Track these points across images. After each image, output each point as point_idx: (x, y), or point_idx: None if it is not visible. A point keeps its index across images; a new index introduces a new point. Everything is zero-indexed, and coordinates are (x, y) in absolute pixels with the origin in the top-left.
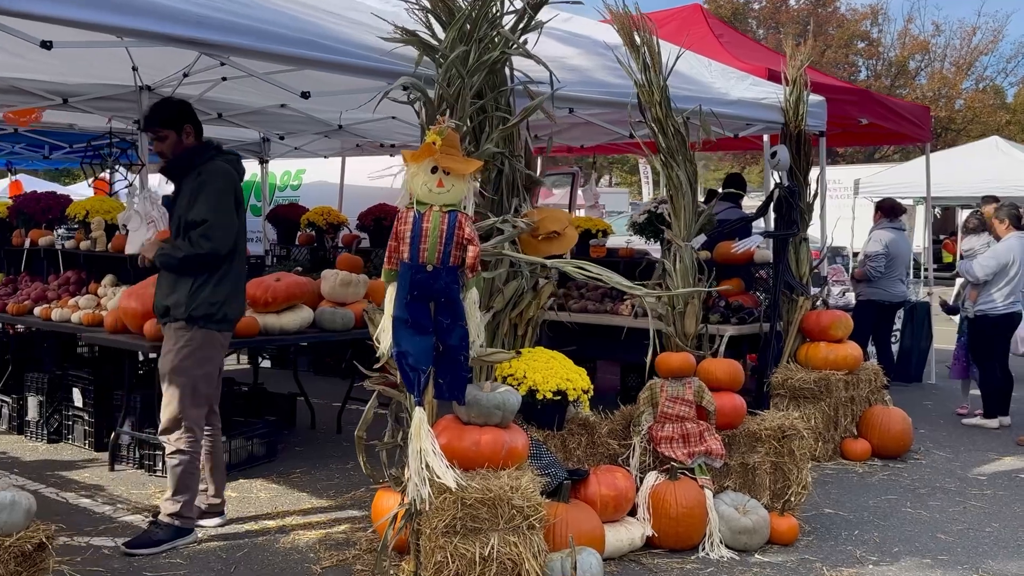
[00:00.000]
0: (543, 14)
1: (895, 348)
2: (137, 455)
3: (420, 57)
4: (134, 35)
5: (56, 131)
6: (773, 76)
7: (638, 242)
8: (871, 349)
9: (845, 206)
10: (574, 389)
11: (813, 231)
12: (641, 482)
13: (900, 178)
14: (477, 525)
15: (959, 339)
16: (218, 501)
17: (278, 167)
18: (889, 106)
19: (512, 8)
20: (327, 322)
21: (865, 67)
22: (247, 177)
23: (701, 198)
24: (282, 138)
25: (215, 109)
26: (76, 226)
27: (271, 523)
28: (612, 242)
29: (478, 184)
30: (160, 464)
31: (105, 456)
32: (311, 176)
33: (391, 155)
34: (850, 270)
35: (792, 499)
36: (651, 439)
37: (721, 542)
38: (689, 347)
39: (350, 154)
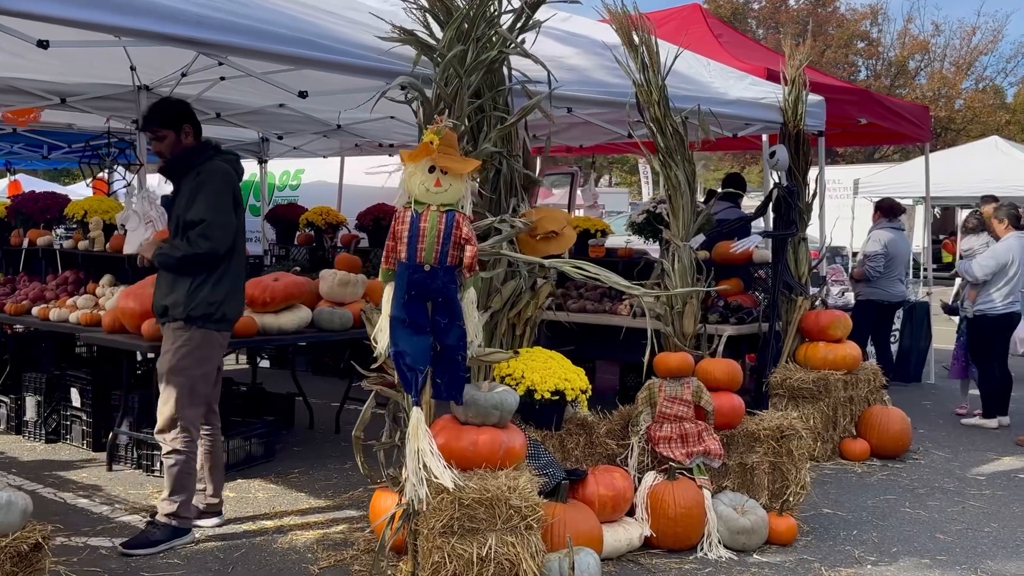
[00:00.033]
0: (541, 13)
1: (894, 348)
2: (135, 455)
3: (418, 57)
4: (132, 35)
5: (55, 131)
6: (772, 76)
7: (637, 242)
8: (870, 349)
9: (844, 206)
10: (572, 389)
11: (812, 231)
12: (639, 482)
13: (899, 178)
14: (475, 525)
15: (958, 339)
16: (216, 501)
17: (277, 167)
18: (888, 106)
19: (510, 7)
20: (325, 322)
21: (865, 67)
22: (246, 177)
23: (700, 198)
24: (280, 138)
25: (213, 109)
26: (74, 226)
27: (269, 523)
28: (611, 242)
29: (477, 184)
30: (158, 464)
31: (103, 456)
32: (310, 176)
33: (390, 155)
34: (849, 270)
35: (790, 499)
36: (649, 439)
37: (719, 542)
38: (687, 347)
39: (349, 154)
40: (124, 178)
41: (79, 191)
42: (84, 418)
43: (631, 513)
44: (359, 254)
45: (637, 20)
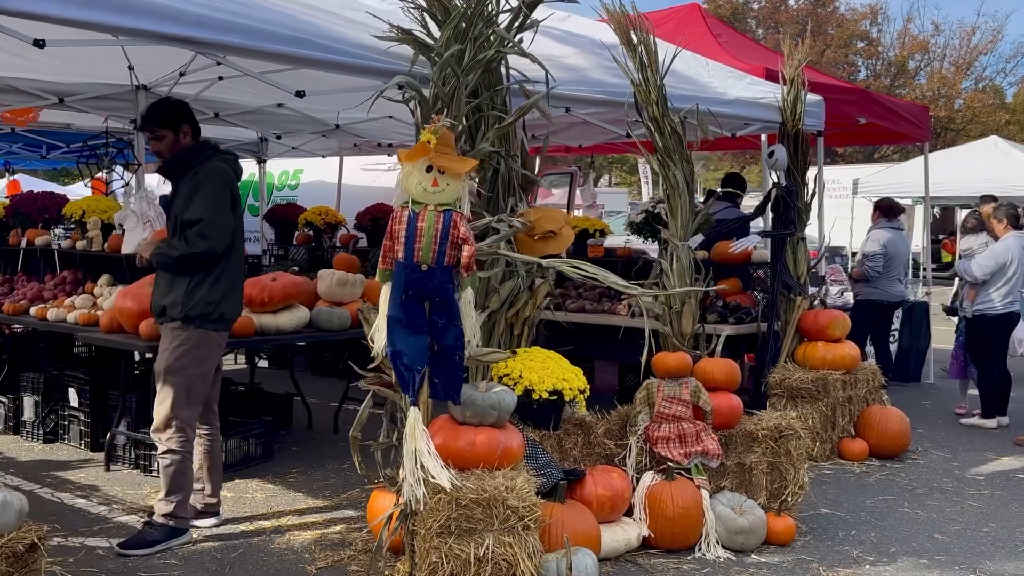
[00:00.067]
0: (539, 13)
1: (893, 348)
2: (133, 455)
3: (416, 56)
4: (130, 34)
5: (53, 131)
6: (771, 75)
7: (636, 242)
8: (869, 349)
9: (844, 206)
10: (570, 389)
11: (811, 231)
12: (637, 482)
13: (899, 178)
14: (472, 526)
15: (957, 339)
16: (214, 501)
17: (276, 167)
18: (887, 105)
19: (507, 7)
20: (323, 322)
21: (864, 67)
22: (245, 177)
23: (700, 198)
24: (279, 137)
25: (212, 108)
26: (73, 226)
27: (266, 523)
28: (611, 242)
29: (475, 183)
30: (156, 464)
31: (101, 456)
32: (309, 176)
33: (388, 154)
34: (848, 270)
35: (789, 499)
36: (648, 439)
37: (717, 542)
38: (686, 347)
39: (348, 153)
40: (122, 178)
41: (79, 191)
42: (82, 418)
43: (629, 513)
44: (358, 254)
45: (635, 20)
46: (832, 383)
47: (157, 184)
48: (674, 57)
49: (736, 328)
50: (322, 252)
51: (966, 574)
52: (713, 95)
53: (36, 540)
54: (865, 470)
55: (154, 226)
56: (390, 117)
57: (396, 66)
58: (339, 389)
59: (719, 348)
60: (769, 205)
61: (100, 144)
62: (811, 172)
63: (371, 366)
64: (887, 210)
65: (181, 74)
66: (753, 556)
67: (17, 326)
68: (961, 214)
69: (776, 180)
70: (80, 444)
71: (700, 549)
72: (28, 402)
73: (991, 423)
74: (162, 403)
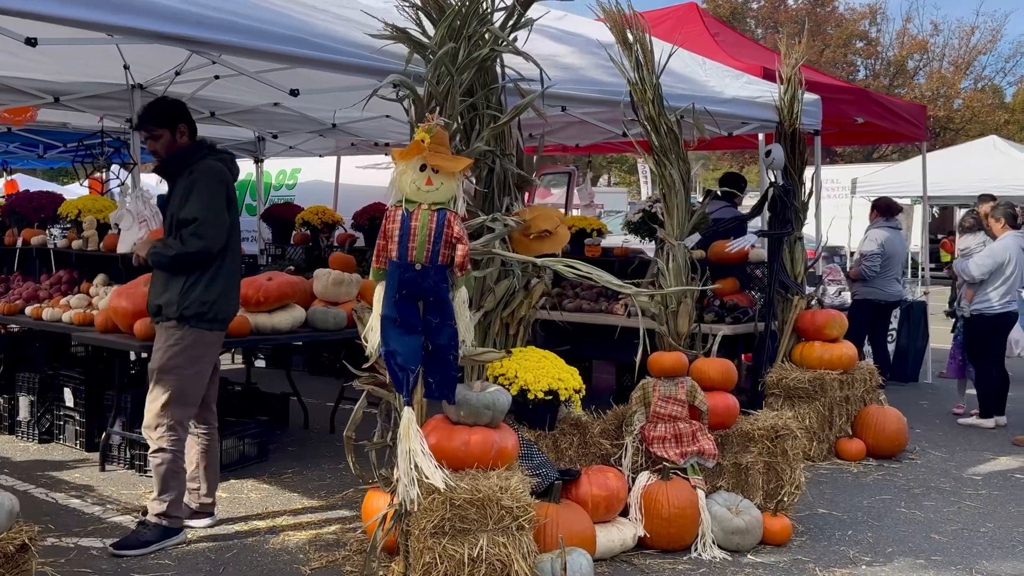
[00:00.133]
0: (534, 11)
1: (891, 347)
2: (128, 455)
3: (410, 55)
4: (124, 32)
5: (50, 130)
6: (768, 75)
7: (634, 241)
8: (867, 349)
9: (843, 205)
10: (566, 389)
11: (808, 230)
12: (633, 482)
13: (897, 177)
14: (466, 526)
15: (955, 338)
16: (210, 501)
17: (273, 166)
18: (885, 105)
19: (502, 5)
20: (319, 321)
21: (864, 66)
22: (242, 176)
23: (700, 197)
24: (276, 137)
25: (208, 108)
26: (69, 225)
27: (261, 524)
28: (609, 241)
29: (473, 182)
30: (151, 464)
31: (96, 456)
32: (306, 175)
33: (386, 154)
34: (847, 269)
35: (785, 499)
36: (643, 439)
37: (713, 542)
38: (682, 346)
39: (345, 153)
40: (117, 176)
41: (77, 191)
42: (77, 418)
43: (625, 513)
44: (355, 253)
45: (631, 18)
46: (829, 383)
47: (156, 183)
48: (670, 56)
49: (733, 328)
50: (319, 252)
51: (963, 574)
52: (710, 94)
53: (27, 540)
54: (862, 470)
55: (150, 225)
56: (387, 116)
57: (391, 65)
58: (336, 389)
59: (715, 348)
60: (766, 204)
61: (96, 143)
62: (808, 171)
63: (365, 366)
64: (885, 209)
65: (177, 73)
66: (749, 556)
67: (13, 326)
68: (960, 214)
69: (773, 179)
70: (75, 444)
71: (696, 549)
72: (23, 402)
73: (989, 423)
74: (154, 401)
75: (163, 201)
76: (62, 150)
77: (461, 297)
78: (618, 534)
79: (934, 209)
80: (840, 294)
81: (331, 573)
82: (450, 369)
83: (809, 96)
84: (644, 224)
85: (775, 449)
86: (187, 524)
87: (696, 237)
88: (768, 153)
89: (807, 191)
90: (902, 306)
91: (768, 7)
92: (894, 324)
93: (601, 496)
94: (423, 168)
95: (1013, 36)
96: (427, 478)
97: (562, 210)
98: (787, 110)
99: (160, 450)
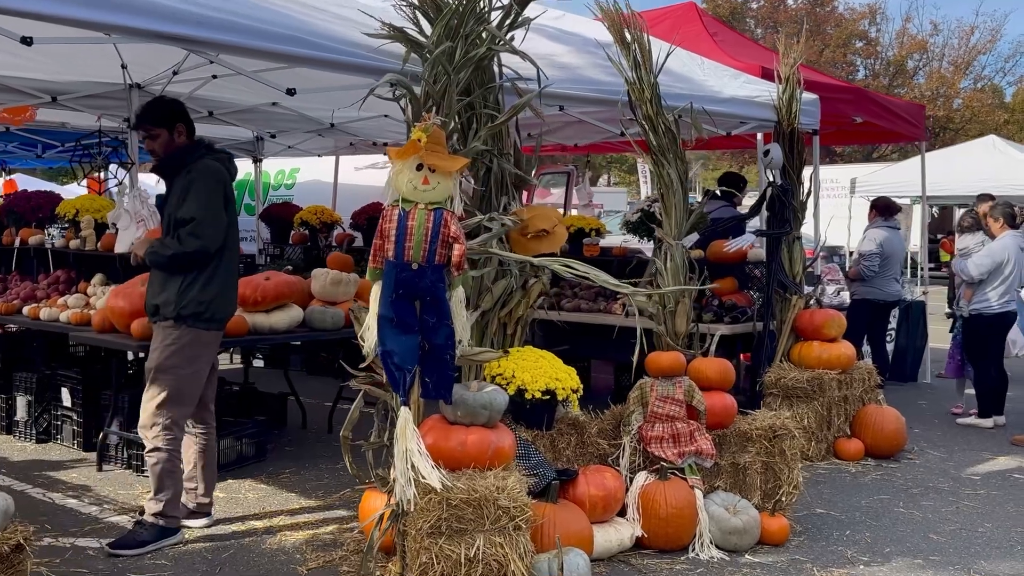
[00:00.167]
0: (532, 11)
1: (890, 347)
2: (125, 455)
3: (407, 54)
4: (120, 32)
5: (48, 130)
6: (767, 74)
7: (633, 241)
8: (866, 348)
9: (842, 205)
10: (563, 388)
11: (807, 229)
12: (631, 482)
13: (897, 177)
14: (463, 526)
15: (953, 338)
16: (207, 501)
17: (272, 166)
18: (884, 104)
19: (500, 4)
20: (317, 321)
21: (863, 66)
22: (241, 176)
23: (698, 197)
24: (274, 136)
25: (206, 107)
26: (66, 225)
27: (258, 524)
28: (608, 241)
29: (472, 183)
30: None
31: (93, 456)
32: (305, 175)
33: (384, 153)
34: (846, 269)
35: (783, 499)
36: (641, 439)
37: (711, 542)
38: (680, 346)
39: (343, 152)
40: (115, 176)
41: (77, 191)
42: (75, 418)
43: (622, 513)
44: (353, 253)
45: (629, 18)
46: (828, 382)
47: (155, 183)
48: (668, 55)
49: (732, 327)
50: (318, 251)
51: (960, 574)
52: (708, 93)
53: (22, 541)
54: (861, 470)
55: (147, 225)
56: (385, 116)
57: (388, 64)
58: (334, 388)
59: (713, 347)
60: (764, 204)
61: (94, 143)
62: (806, 171)
63: (362, 365)
64: (884, 209)
65: (175, 72)
66: (747, 556)
67: (10, 325)
68: (959, 213)
69: (771, 179)
70: (73, 444)
71: (694, 549)
72: (21, 402)
73: (987, 423)
74: (151, 400)
75: (161, 201)
76: (60, 150)
77: (458, 297)
78: (615, 534)
79: (933, 209)
80: (839, 294)
81: (328, 573)
82: (447, 369)
83: (807, 96)
84: (642, 224)
85: (773, 449)
86: (184, 524)
87: (694, 237)
88: (766, 153)
89: (805, 191)
90: (901, 306)
91: (768, 7)
92: (893, 324)
93: (598, 496)
94: (420, 167)
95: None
96: (424, 478)
97: (561, 210)
98: (785, 109)
99: (156, 449)
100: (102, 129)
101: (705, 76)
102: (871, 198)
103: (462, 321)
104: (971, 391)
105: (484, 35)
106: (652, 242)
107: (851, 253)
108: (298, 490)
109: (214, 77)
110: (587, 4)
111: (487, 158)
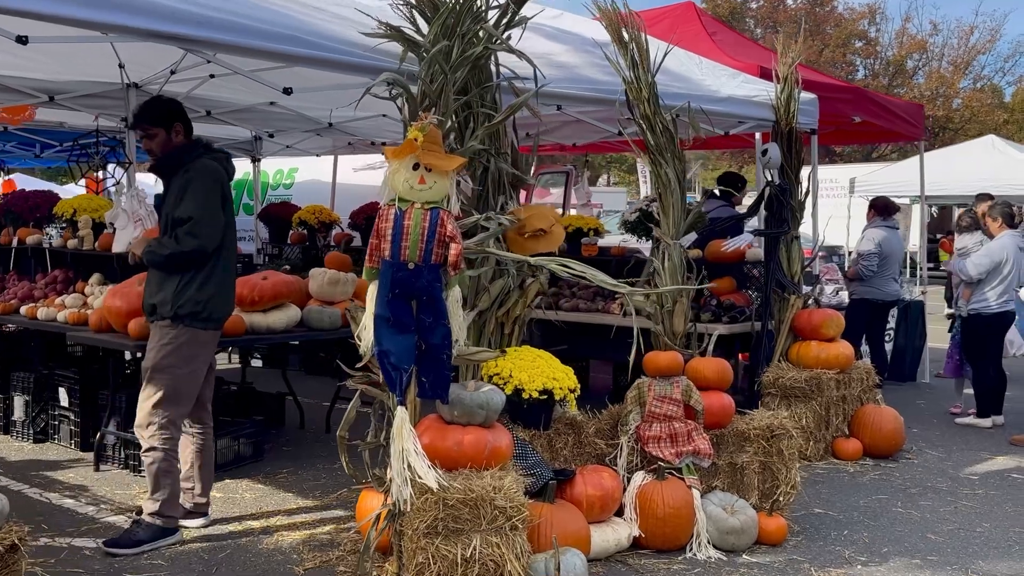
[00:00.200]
0: (529, 9)
1: (889, 347)
2: (123, 455)
3: (404, 53)
4: (118, 31)
5: (47, 129)
6: (765, 74)
7: (632, 241)
8: (865, 348)
9: (841, 205)
10: (560, 388)
11: (805, 229)
12: (628, 482)
13: (896, 177)
14: (459, 526)
15: (952, 338)
16: (204, 501)
17: (270, 166)
18: (882, 104)
19: (497, 3)
20: (315, 321)
21: (863, 66)
22: (239, 176)
23: (697, 196)
24: (272, 136)
25: (203, 106)
26: (64, 224)
27: (255, 524)
28: (607, 241)
29: (470, 183)
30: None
31: (91, 456)
32: (304, 175)
33: (381, 153)
34: (844, 268)
35: (781, 499)
36: (639, 439)
37: (709, 542)
38: (678, 346)
39: (342, 152)
40: (113, 175)
41: (76, 191)
42: (72, 418)
43: (620, 513)
44: (352, 252)
45: (627, 17)
46: (826, 382)
47: (154, 183)
48: (665, 54)
49: (730, 327)
50: (316, 251)
51: (959, 574)
52: (706, 93)
53: (16, 541)
54: (859, 470)
55: (145, 224)
56: (383, 115)
57: (386, 63)
58: (333, 388)
59: (711, 347)
60: (762, 204)
61: (91, 143)
62: (805, 171)
63: (359, 365)
64: (882, 209)
65: (172, 72)
66: (744, 556)
67: (8, 325)
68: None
69: (770, 178)
70: (70, 444)
71: (691, 549)
72: (18, 401)
73: (986, 423)
74: (147, 400)
75: (159, 200)
76: (58, 149)
77: (454, 296)
78: (613, 534)
79: (932, 209)
80: (837, 293)
81: (325, 573)
82: (443, 368)
83: (806, 95)
84: (641, 223)
85: (771, 449)
86: (182, 524)
87: (692, 236)
88: (764, 152)
89: (804, 190)
90: (900, 305)
91: (767, 7)
92: (892, 323)
93: (596, 496)
94: (416, 167)
95: (1012, 36)
96: (420, 478)
97: (559, 209)
98: (783, 109)
99: (152, 449)
100: (100, 129)
101: (703, 75)
102: (870, 198)
103: (459, 321)
104: (970, 391)
105: (481, 34)
106: (650, 242)
107: (850, 253)
108: (295, 490)
109: (212, 76)
110: (585, 3)
111: (484, 157)
